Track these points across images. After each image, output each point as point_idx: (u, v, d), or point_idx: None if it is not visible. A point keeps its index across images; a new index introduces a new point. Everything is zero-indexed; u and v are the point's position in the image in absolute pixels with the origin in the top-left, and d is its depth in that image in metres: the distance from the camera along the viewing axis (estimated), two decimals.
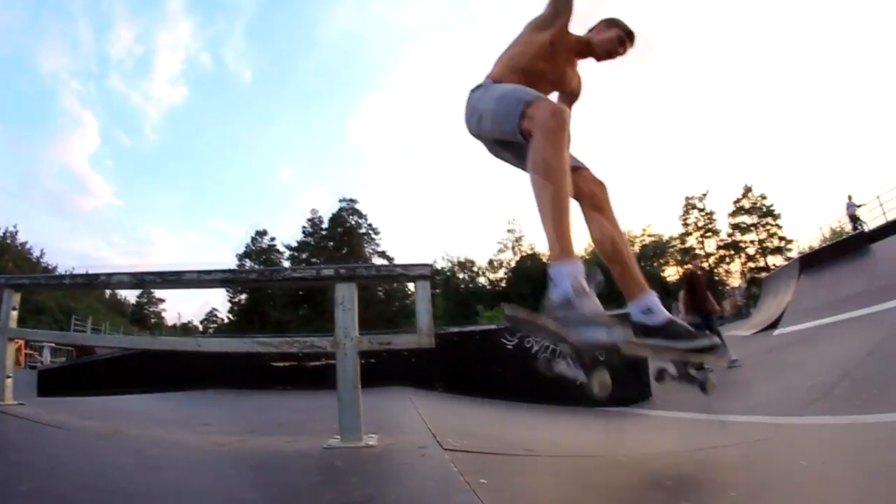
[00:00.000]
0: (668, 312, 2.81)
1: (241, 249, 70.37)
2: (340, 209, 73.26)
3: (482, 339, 9.22)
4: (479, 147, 3.21)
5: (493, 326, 10.13)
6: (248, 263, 66.82)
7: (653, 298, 2.82)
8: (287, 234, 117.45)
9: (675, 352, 2.77)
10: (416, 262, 3.54)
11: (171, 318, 76.64)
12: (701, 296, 11.08)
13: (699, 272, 11.48)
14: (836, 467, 2.91)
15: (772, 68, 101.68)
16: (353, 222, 73.70)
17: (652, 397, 8.46)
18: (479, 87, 3.07)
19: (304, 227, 73.00)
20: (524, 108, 2.59)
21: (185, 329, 70.18)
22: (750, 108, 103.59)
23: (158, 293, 72.12)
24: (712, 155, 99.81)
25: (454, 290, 69.53)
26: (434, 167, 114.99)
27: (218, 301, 73.05)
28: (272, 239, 72.03)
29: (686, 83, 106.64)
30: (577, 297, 2.36)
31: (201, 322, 73.36)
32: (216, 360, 7.97)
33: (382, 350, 3.54)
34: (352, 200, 73.78)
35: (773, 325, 17.90)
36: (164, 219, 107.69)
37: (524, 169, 2.71)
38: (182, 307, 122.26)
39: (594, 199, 2.94)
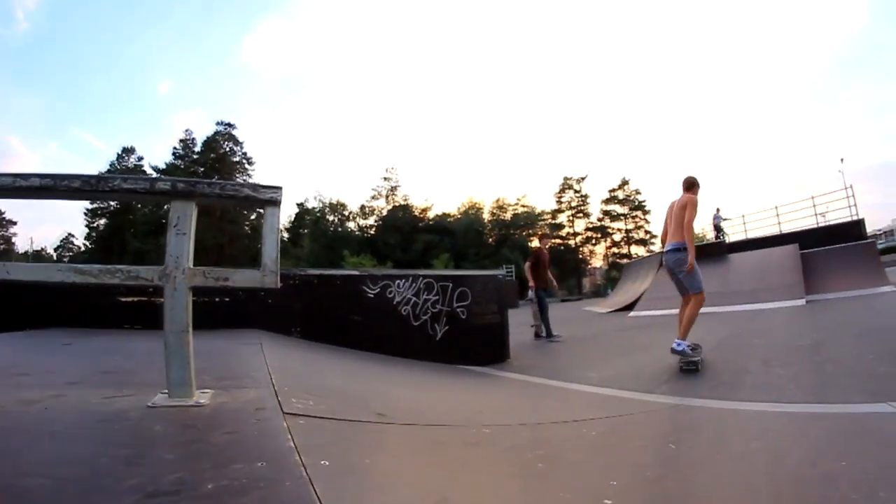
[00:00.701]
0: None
1: (105, 168, 63.75)
2: (216, 133, 68.70)
3: (344, 285, 8.71)
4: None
5: (355, 272, 9.70)
6: None
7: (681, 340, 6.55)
8: (158, 154, 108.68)
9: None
10: (266, 184, 2.96)
11: (22, 244, 69.31)
12: (543, 272, 11.97)
13: (545, 251, 12.18)
14: (702, 451, 2.90)
15: (674, 82, 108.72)
16: (227, 148, 69.19)
17: (510, 359, 8.66)
18: (681, 249, 6.65)
19: (175, 148, 67.65)
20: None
21: (38, 257, 63.96)
22: (645, 110, 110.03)
23: (10, 214, 65.68)
24: (599, 143, 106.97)
25: (322, 232, 67.69)
26: (321, 104, 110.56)
27: (77, 227, 67.44)
28: (140, 158, 66.27)
29: (591, 73, 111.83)
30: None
31: (55, 249, 67.30)
32: (64, 295, 7.10)
33: (236, 289, 3.03)
34: (229, 125, 69.55)
35: (629, 307, 18.93)
36: (22, 125, 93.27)
37: (674, 277, 6.85)
38: (37, 232, 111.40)
39: (686, 301, 6.79)
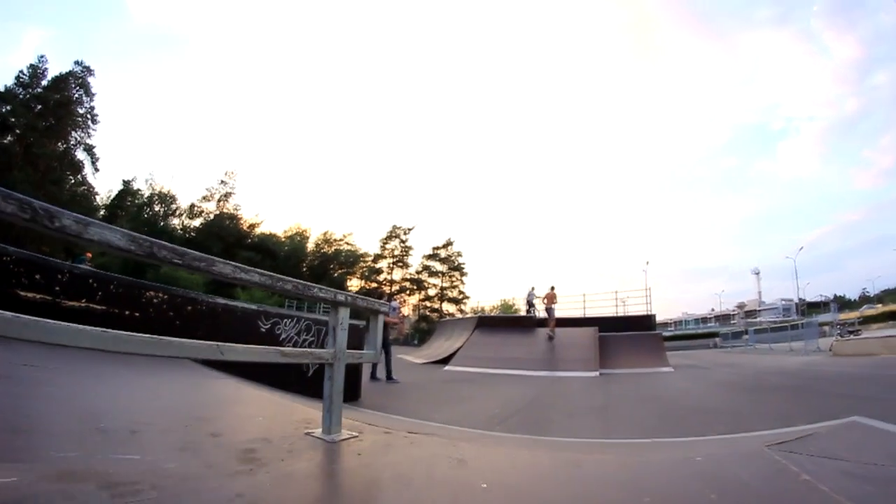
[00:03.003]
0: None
1: None
2: (70, 73, 59.89)
3: (243, 317, 9.50)
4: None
5: (253, 306, 10.31)
6: None
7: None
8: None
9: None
10: (383, 302, 5.00)
11: None
12: (387, 322, 13.97)
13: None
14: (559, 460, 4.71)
15: (511, 171, 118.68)
16: (76, 95, 60.18)
17: (361, 398, 10.10)
18: (552, 309, 22.87)
19: (21, 72, 57.14)
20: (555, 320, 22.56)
21: None
22: (482, 185, 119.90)
23: None
24: (432, 201, 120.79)
25: (145, 222, 60.93)
26: (184, 79, 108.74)
27: None
28: None
29: (439, 139, 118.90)
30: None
31: None
32: None
33: None
34: (87, 69, 61.30)
35: (444, 361, 21.26)
36: None
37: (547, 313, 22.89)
38: None
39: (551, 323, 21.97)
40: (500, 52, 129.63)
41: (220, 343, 3.11)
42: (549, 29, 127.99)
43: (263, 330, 9.35)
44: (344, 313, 4.39)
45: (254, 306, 10.45)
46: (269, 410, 5.48)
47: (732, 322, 66.90)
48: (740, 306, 75.82)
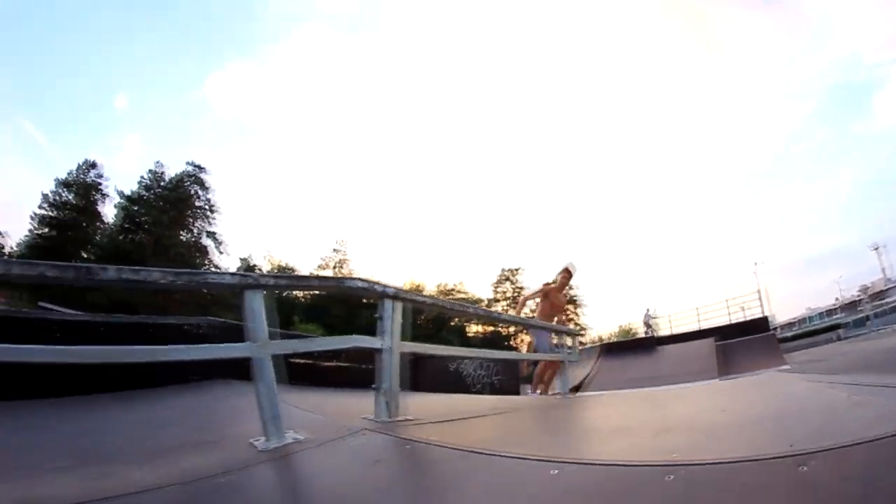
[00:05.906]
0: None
1: (63, 175, 62.06)
2: (184, 173, 68.14)
3: (438, 361, 13.33)
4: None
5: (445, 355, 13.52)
6: (64, 193, 60.97)
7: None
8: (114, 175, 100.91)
9: None
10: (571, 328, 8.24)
11: None
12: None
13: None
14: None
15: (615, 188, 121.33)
16: (193, 191, 68.67)
17: None
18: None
19: (142, 177, 66.04)
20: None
21: None
22: (587, 210, 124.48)
23: None
24: (540, 238, 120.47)
25: (268, 295, 61.15)
26: (288, 159, 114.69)
27: (11, 223, 66.15)
28: (100, 175, 63.67)
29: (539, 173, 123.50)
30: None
31: None
32: None
33: None
34: (199, 167, 69.17)
35: (575, 389, 23.58)
36: None
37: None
38: None
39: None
40: (579, 81, 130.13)
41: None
42: (617, 45, 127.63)
43: (451, 369, 12.95)
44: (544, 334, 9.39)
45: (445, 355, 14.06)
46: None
47: (860, 309, 63.61)
48: (863, 289, 71.68)
